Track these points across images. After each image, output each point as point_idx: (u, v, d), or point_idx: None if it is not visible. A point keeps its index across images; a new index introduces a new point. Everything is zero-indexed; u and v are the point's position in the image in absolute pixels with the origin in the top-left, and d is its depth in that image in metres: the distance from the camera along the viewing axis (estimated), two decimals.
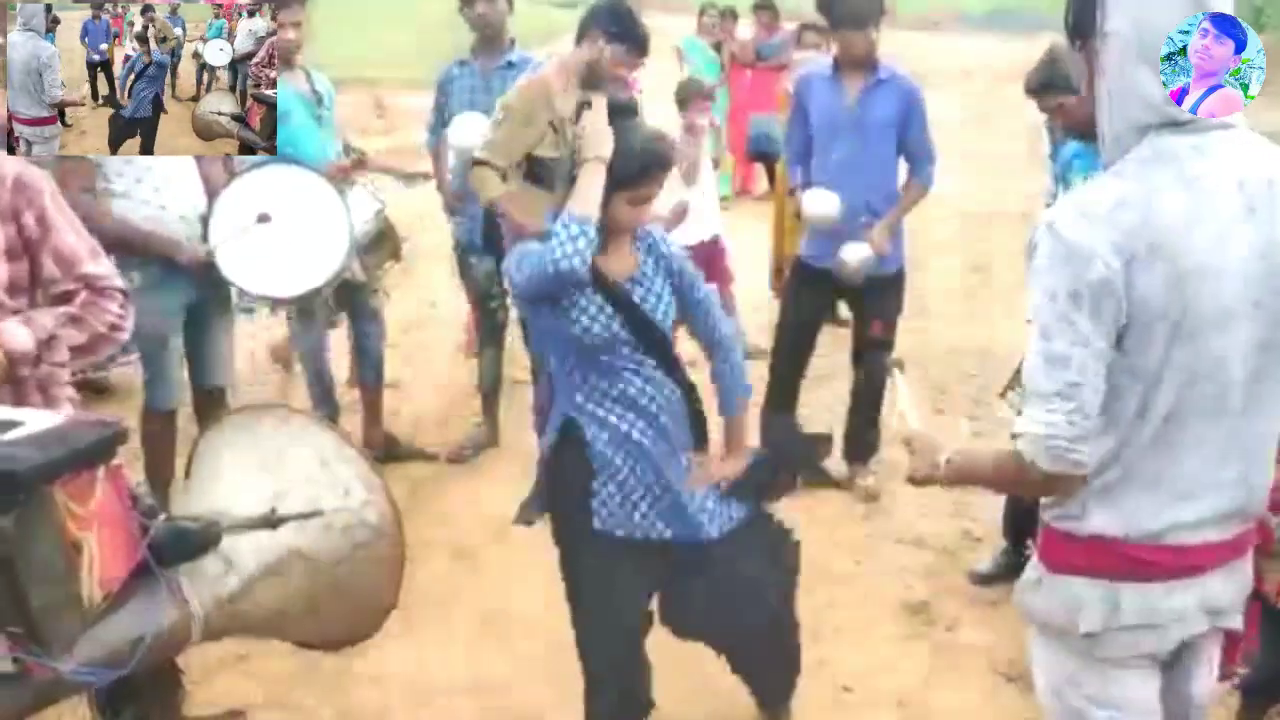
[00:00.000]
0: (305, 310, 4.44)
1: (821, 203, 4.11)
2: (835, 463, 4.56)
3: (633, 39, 3.85)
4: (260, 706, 3.18)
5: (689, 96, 5.46)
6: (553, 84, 3.92)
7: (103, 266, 2.53)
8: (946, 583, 3.86)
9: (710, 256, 5.33)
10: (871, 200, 4.14)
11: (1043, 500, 1.88)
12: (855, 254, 4.09)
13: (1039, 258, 1.72)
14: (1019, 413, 3.32)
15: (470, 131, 4.34)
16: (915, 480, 2.01)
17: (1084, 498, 1.79)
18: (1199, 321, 1.68)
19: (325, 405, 4.64)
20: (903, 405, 2.17)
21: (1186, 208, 1.67)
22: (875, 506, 4.40)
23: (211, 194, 3.85)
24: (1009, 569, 3.80)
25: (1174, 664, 1.90)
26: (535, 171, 3.92)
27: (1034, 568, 1.92)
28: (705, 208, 5.44)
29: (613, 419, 2.62)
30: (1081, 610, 1.81)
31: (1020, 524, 3.69)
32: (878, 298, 4.29)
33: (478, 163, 3.98)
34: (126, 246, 3.66)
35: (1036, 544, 1.92)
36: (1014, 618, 3.60)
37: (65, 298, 2.45)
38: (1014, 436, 1.77)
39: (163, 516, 1.89)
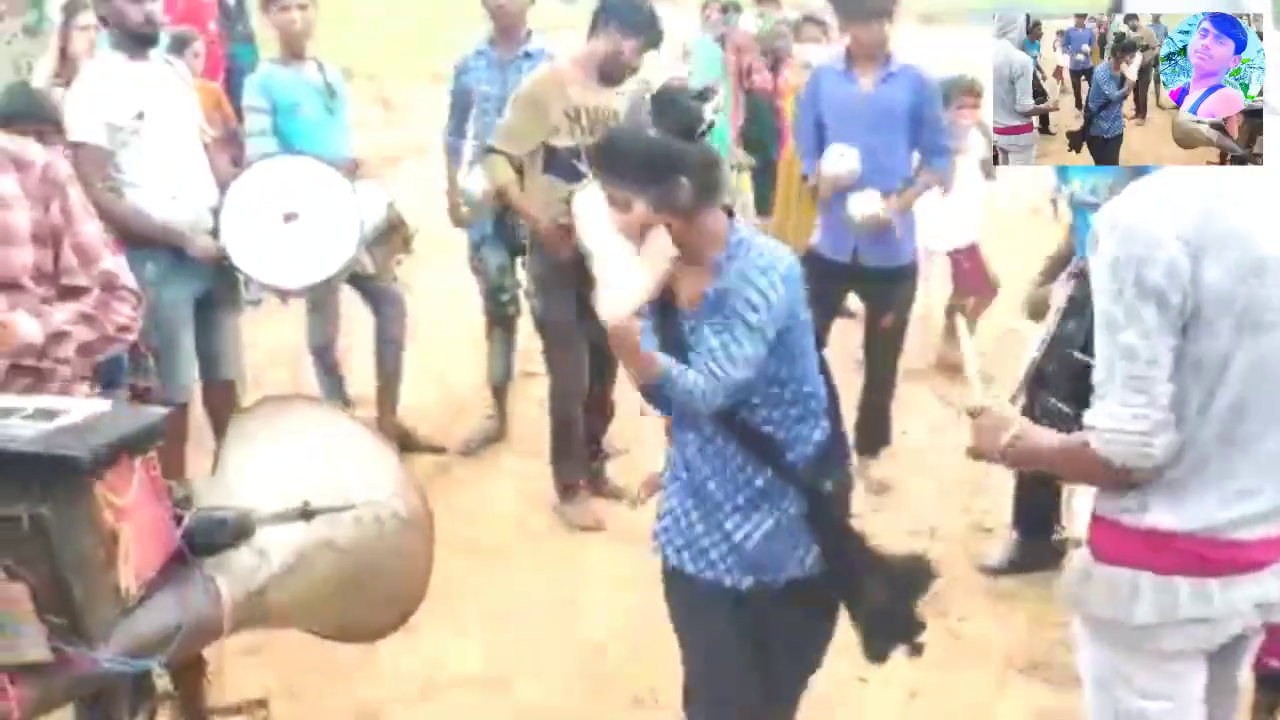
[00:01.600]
0: (317, 302, 4.44)
1: (840, 160, 4.10)
2: (878, 471, 4.53)
3: (645, 30, 3.87)
4: (273, 696, 3.17)
5: (952, 93, 5.34)
6: (567, 75, 3.94)
7: (120, 265, 2.53)
8: (958, 574, 3.85)
9: (966, 265, 5.33)
10: (886, 191, 4.14)
11: (1096, 491, 1.87)
12: (863, 205, 4.08)
13: (1103, 250, 1.71)
14: (1022, 413, 3.31)
15: None
16: (976, 455, 1.97)
17: (1143, 491, 1.78)
18: (1265, 315, 1.67)
19: (335, 398, 4.64)
20: (970, 370, 2.09)
21: (1252, 197, 1.67)
22: (887, 498, 4.40)
23: (221, 185, 3.85)
24: (1019, 561, 3.82)
25: (1220, 655, 1.89)
26: (553, 162, 3.94)
27: (1082, 558, 1.90)
28: (962, 212, 5.37)
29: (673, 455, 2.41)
30: (1137, 603, 1.80)
31: (1032, 516, 3.71)
32: (890, 289, 4.29)
33: (490, 150, 4.02)
34: (138, 236, 3.66)
35: (1087, 535, 1.91)
36: (1027, 609, 3.64)
37: (78, 293, 2.45)
38: (1084, 428, 1.77)
39: (195, 508, 1.90)
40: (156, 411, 1.77)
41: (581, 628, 3.57)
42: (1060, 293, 3.35)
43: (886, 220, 4.08)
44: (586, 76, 3.92)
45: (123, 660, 1.72)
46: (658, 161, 2.17)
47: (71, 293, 2.44)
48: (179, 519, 1.85)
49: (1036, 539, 3.72)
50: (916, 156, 4.28)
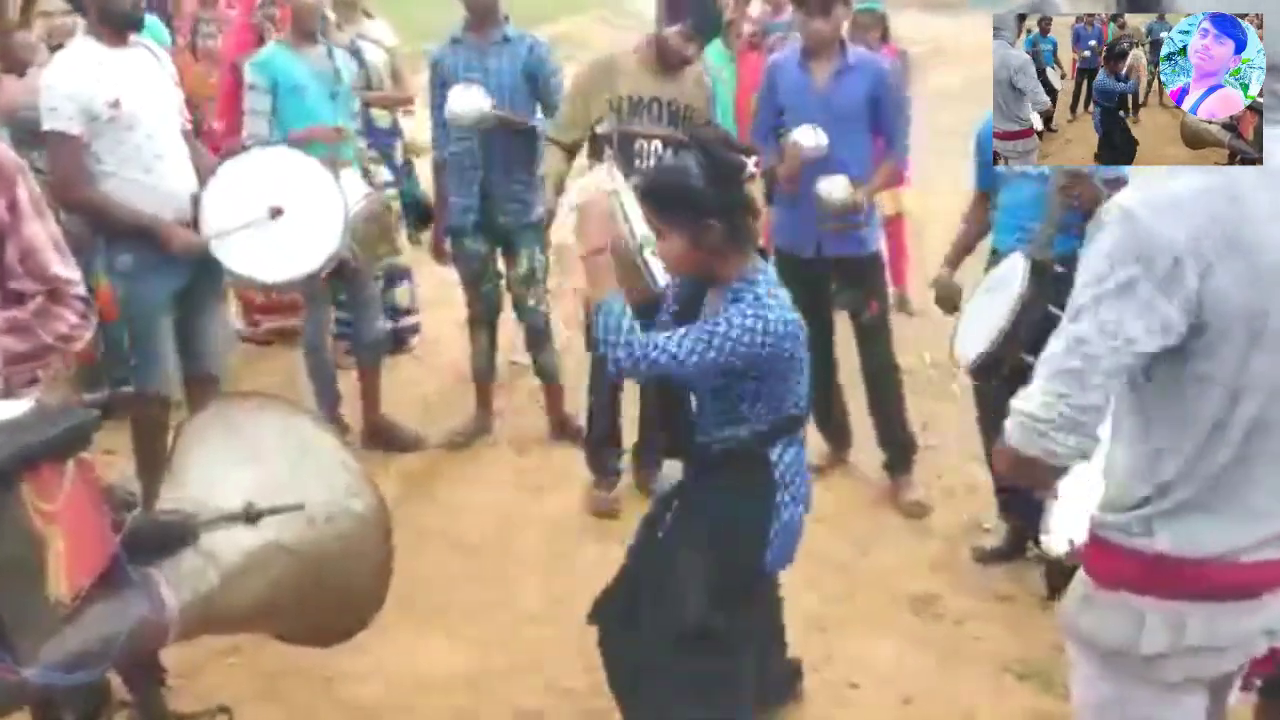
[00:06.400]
0: (308, 297, 4.38)
1: (814, 134, 4.02)
2: (876, 472, 4.40)
3: (707, 30, 3.99)
4: (251, 700, 3.10)
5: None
6: (620, 63, 4.03)
7: (69, 270, 2.39)
8: (955, 575, 3.77)
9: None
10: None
11: (1095, 515, 1.78)
12: (832, 188, 4.01)
13: (1104, 239, 1.62)
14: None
15: (464, 103, 4.24)
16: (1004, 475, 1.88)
17: (1149, 513, 1.69)
18: None
19: (326, 392, 4.57)
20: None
21: (1270, 202, 1.57)
22: (882, 495, 4.29)
23: (202, 175, 3.77)
24: (1011, 550, 3.75)
25: (1215, 679, 1.80)
26: (597, 148, 4.06)
27: (1081, 583, 1.80)
28: None
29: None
30: (1142, 632, 1.70)
31: (1025, 506, 3.59)
32: (861, 279, 4.19)
33: (548, 140, 4.16)
34: (115, 228, 3.60)
35: (1084, 557, 1.81)
36: (1024, 612, 3.55)
37: (20, 298, 2.33)
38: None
39: (137, 510, 1.81)
40: (83, 414, 1.67)
41: (571, 626, 3.48)
42: (1017, 279, 3.21)
43: (858, 203, 4.01)
44: (641, 65, 3.99)
45: (54, 674, 1.63)
46: (694, 204, 2.40)
47: (14, 297, 2.33)
48: (118, 523, 1.76)
49: (1028, 529, 3.61)
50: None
